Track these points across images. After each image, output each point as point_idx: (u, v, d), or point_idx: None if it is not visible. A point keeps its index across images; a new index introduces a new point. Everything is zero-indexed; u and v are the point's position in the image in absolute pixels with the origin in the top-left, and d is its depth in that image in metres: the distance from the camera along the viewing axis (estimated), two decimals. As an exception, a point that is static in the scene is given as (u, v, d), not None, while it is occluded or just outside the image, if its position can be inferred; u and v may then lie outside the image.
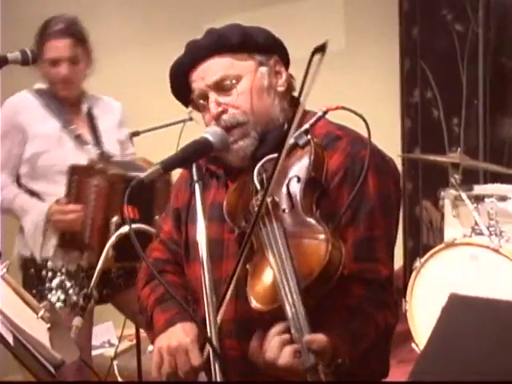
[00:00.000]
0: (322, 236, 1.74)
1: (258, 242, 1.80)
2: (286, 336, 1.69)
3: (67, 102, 3.28)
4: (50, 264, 3.20)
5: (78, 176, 3.07)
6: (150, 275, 2.12)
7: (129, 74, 4.51)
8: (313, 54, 1.62)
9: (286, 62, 2.07)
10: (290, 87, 2.04)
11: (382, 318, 1.87)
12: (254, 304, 1.74)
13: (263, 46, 2.00)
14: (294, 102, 1.99)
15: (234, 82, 1.95)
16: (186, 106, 2.07)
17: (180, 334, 1.92)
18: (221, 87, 1.96)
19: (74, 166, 3.08)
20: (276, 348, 1.69)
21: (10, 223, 3.34)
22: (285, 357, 1.68)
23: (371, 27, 5.17)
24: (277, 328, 1.71)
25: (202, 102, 2.00)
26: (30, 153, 3.19)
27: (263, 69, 1.99)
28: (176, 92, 2.06)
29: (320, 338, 1.67)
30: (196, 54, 1.98)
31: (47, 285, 3.21)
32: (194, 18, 4.24)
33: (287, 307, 1.67)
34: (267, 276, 1.75)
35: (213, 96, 1.96)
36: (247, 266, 1.79)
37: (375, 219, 1.90)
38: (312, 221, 1.79)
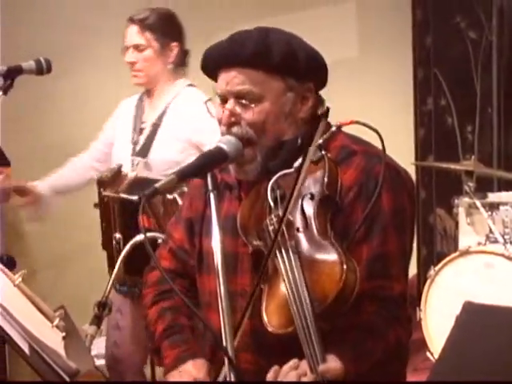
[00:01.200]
0: (337, 259, 1.73)
1: (272, 262, 1.79)
2: (303, 370, 1.70)
3: (149, 97, 3.31)
4: None
5: (102, 188, 3.11)
6: (158, 294, 2.11)
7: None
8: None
9: (321, 84, 2.01)
10: (315, 109, 1.98)
11: (393, 335, 1.87)
12: (269, 327, 1.75)
13: (301, 71, 1.94)
14: (316, 120, 1.95)
15: (255, 99, 1.91)
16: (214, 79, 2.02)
17: (193, 371, 1.94)
18: (242, 99, 1.92)
19: (100, 178, 3.14)
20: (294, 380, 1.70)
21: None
22: None
23: (384, 35, 5.17)
24: (292, 363, 1.72)
25: (219, 101, 1.97)
26: (109, 139, 3.39)
27: (290, 94, 1.94)
28: (204, 70, 2.03)
29: (333, 366, 1.70)
30: (233, 59, 1.92)
31: None
32: (207, 26, 4.25)
33: (301, 332, 1.68)
34: (282, 298, 1.75)
35: (231, 103, 1.93)
36: (262, 286, 1.79)
37: (389, 235, 1.89)
38: (326, 243, 1.78)
